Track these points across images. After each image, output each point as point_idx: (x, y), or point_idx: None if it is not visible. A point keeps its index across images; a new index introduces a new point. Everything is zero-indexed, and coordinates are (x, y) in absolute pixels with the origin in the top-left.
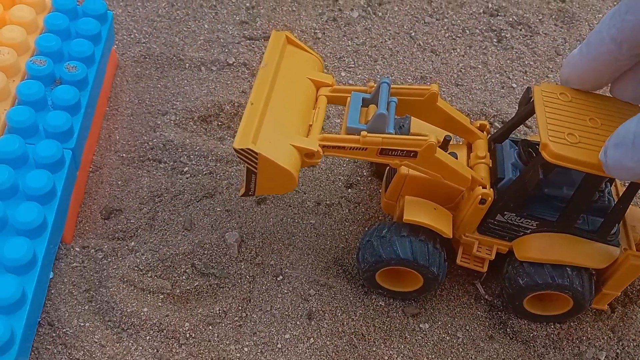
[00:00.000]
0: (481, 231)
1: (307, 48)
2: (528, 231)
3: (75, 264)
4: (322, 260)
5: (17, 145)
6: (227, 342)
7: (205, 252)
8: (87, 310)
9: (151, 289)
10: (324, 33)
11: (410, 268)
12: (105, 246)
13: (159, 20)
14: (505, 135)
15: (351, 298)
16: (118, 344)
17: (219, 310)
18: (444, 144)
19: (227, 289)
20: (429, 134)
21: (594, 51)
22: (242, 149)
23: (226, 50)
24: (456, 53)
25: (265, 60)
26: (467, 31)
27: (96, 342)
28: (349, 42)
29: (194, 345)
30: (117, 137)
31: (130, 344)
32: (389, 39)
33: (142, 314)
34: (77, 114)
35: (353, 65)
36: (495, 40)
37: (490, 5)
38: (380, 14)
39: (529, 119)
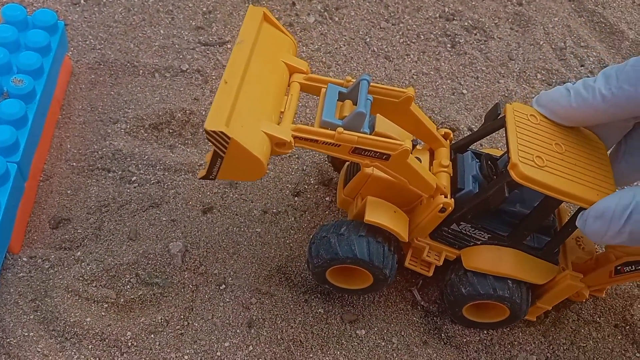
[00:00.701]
0: (433, 237)
1: (283, 28)
2: (479, 242)
3: (22, 274)
4: (266, 269)
5: None
6: (168, 350)
7: (150, 262)
8: (32, 320)
9: (96, 299)
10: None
11: (364, 268)
12: (52, 256)
13: (114, 25)
14: (466, 146)
15: (292, 306)
16: (61, 353)
17: (161, 319)
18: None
19: (170, 298)
20: (403, 139)
21: (581, 102)
22: (213, 131)
23: (180, 57)
24: (409, 59)
25: (240, 37)
26: (422, 36)
27: (39, 352)
28: (304, 47)
29: (135, 354)
30: (69, 146)
31: (73, 353)
32: (344, 45)
33: (84, 323)
34: (23, 127)
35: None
36: (449, 45)
37: (446, 10)
38: (336, 18)
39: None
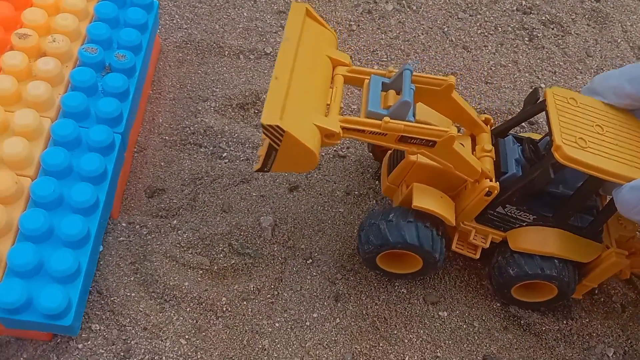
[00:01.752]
0: (479, 220)
1: (324, 23)
2: (524, 224)
3: (122, 238)
4: (350, 247)
5: (72, 129)
6: (260, 317)
7: (242, 233)
8: (133, 282)
9: (191, 265)
10: (358, 25)
11: (415, 252)
12: (150, 223)
13: (200, 6)
14: (507, 131)
15: (375, 284)
16: (161, 314)
17: (253, 287)
18: None
19: (261, 269)
20: (444, 126)
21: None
22: (269, 125)
23: (264, 40)
24: (487, 50)
25: (286, 34)
26: (500, 28)
27: (141, 311)
28: (383, 35)
29: (230, 318)
30: (160, 120)
31: (172, 314)
32: (422, 34)
33: (183, 287)
34: (125, 100)
35: (386, 59)
36: (526, 39)
37: (523, 3)
38: (414, 7)
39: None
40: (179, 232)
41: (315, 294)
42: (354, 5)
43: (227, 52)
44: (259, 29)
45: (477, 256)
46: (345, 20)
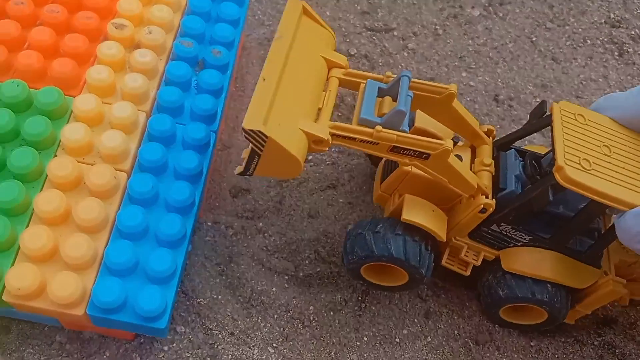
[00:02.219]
0: (472, 237)
1: (322, 22)
2: (519, 244)
3: (207, 237)
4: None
5: (169, 124)
6: (348, 330)
7: (329, 240)
8: (219, 284)
9: (277, 270)
10: (444, 30)
11: (400, 266)
12: (235, 223)
13: (282, 3)
14: (510, 144)
15: (467, 303)
16: (248, 319)
17: (340, 298)
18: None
19: (347, 278)
20: (444, 135)
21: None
22: (251, 130)
23: (347, 40)
24: (577, 63)
25: (279, 32)
26: (588, 41)
27: (228, 315)
28: (470, 41)
29: (317, 329)
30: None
31: (259, 320)
32: (510, 42)
33: (271, 293)
34: (219, 97)
35: (474, 66)
36: (616, 53)
37: (612, 16)
38: (500, 14)
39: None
40: (265, 235)
41: (404, 309)
42: (439, 8)
43: None
44: (342, 29)
45: (468, 273)
46: (430, 24)
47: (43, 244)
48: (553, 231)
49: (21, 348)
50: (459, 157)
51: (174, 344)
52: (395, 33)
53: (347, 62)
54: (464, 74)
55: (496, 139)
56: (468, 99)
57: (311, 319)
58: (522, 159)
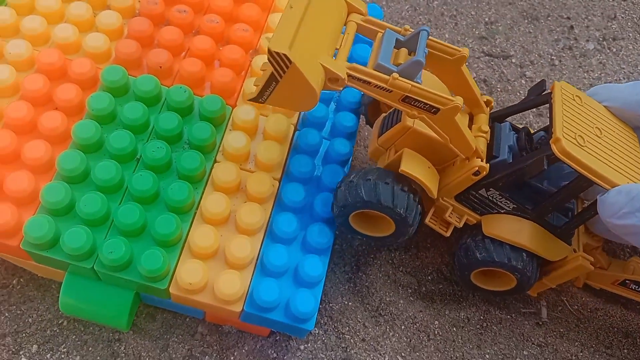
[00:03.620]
0: (458, 199)
1: None
2: (502, 211)
3: (336, 246)
4: (560, 288)
5: (318, 139)
6: (470, 346)
7: (451, 259)
8: (348, 290)
9: (402, 283)
10: (560, 61)
11: (387, 215)
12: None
13: (402, 22)
14: (505, 117)
15: (581, 328)
16: (377, 327)
17: (463, 315)
18: None
19: (469, 297)
20: (453, 96)
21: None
22: (277, 53)
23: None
24: None
25: None
26: None
27: (359, 322)
28: (585, 74)
29: (441, 342)
30: (365, 134)
31: (387, 329)
32: (624, 78)
33: (399, 304)
34: (357, 114)
35: None
36: None
37: None
38: (614, 49)
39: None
40: (391, 248)
41: (524, 331)
42: (554, 39)
43: None
44: None
45: (448, 234)
46: (546, 54)
47: (210, 243)
48: (535, 203)
49: (166, 336)
50: None
51: (309, 344)
52: (513, 60)
53: (366, 10)
54: None
55: (493, 110)
56: None
57: (436, 332)
58: (516, 132)
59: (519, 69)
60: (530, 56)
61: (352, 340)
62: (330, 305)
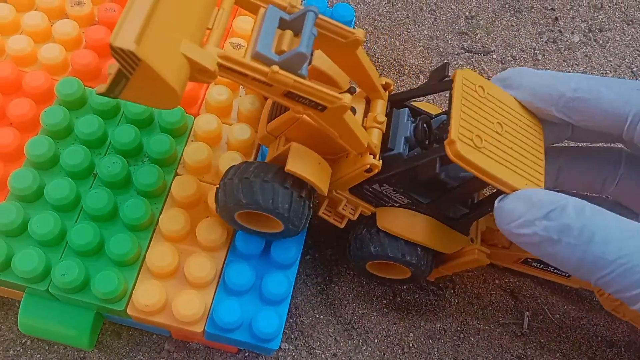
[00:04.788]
0: (352, 191)
1: None
2: (397, 204)
3: (308, 256)
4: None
5: None
6: (446, 358)
7: None
8: (320, 303)
9: (376, 294)
10: (543, 55)
11: (272, 215)
12: (335, 243)
13: (379, 19)
14: (404, 101)
15: (567, 345)
16: (349, 342)
17: (440, 327)
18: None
19: (446, 307)
20: (341, 86)
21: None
22: (120, 49)
23: (445, 61)
24: None
25: None
26: None
27: (330, 336)
28: (570, 68)
29: (416, 355)
30: None
31: (360, 343)
32: (610, 71)
33: (372, 317)
34: None
35: None
36: None
37: None
38: (600, 41)
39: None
40: None
41: (502, 343)
42: (537, 32)
43: (407, 70)
44: (440, 49)
45: (343, 226)
46: (529, 48)
47: (169, 262)
48: (432, 198)
49: (131, 354)
50: (353, 110)
51: None
52: (494, 56)
53: None
54: None
55: (393, 93)
56: None
57: (411, 345)
58: (414, 120)
59: (500, 65)
60: (512, 51)
61: (323, 356)
62: (301, 319)
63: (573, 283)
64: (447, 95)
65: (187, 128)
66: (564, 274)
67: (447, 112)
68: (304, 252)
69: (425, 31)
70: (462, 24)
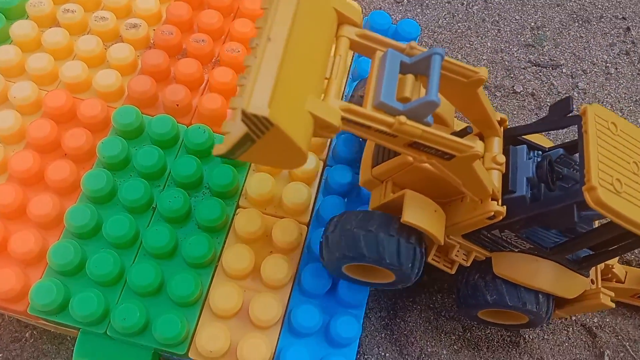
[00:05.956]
0: (466, 237)
1: None
2: (516, 250)
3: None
4: None
5: (350, 177)
6: None
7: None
8: (384, 339)
9: (444, 329)
10: (616, 68)
11: (388, 269)
12: None
13: (439, 31)
14: (518, 136)
15: None
16: None
17: None
18: (462, 135)
19: (520, 343)
20: (474, 142)
21: None
22: (254, 115)
23: (512, 76)
24: None
25: None
26: None
27: None
28: None
29: None
30: None
31: None
32: None
33: (442, 355)
34: None
35: None
36: None
37: None
38: None
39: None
40: (431, 290)
41: None
42: (608, 43)
43: None
44: (505, 62)
45: (453, 272)
46: (600, 61)
47: (233, 303)
48: (555, 242)
49: None
50: None
51: None
52: (564, 70)
53: (361, 19)
54: None
55: (508, 127)
56: None
57: None
58: (533, 158)
59: (570, 80)
60: (583, 64)
61: None
62: (366, 357)
63: None
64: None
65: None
66: None
67: (580, 152)
68: None
69: (488, 43)
70: (527, 36)
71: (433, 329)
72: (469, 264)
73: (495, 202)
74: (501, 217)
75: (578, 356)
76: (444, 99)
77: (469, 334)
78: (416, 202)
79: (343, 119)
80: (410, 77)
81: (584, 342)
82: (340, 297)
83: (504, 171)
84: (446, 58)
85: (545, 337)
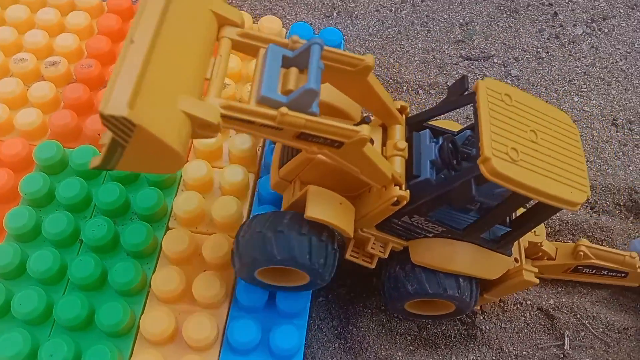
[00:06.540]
0: (379, 228)
1: None
2: (430, 235)
3: (320, 298)
4: None
5: None
6: None
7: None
8: (338, 349)
9: (399, 331)
10: (547, 52)
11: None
12: (348, 280)
13: (370, 39)
14: (422, 122)
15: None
16: None
17: (473, 358)
18: (359, 124)
19: (477, 336)
20: (354, 117)
21: None
22: (111, 116)
23: (444, 72)
24: None
25: None
26: None
27: None
28: (577, 62)
29: None
30: None
31: None
32: (620, 59)
33: (397, 358)
34: None
35: (586, 90)
36: None
37: None
38: (605, 30)
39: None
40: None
41: None
42: (537, 30)
43: (405, 87)
44: (437, 60)
45: (373, 266)
46: (531, 47)
47: (164, 327)
48: (467, 222)
49: None
50: (371, 141)
51: None
52: (495, 60)
53: (242, 19)
54: (575, 99)
55: (409, 115)
56: (584, 125)
57: None
58: (437, 141)
59: (503, 69)
60: (514, 52)
61: None
62: None
63: (632, 281)
64: (464, 110)
65: (175, 178)
66: (619, 274)
67: (474, 127)
68: (315, 294)
69: (419, 45)
70: (457, 32)
71: (387, 331)
72: (386, 256)
73: (398, 187)
74: (405, 202)
75: (538, 341)
76: (340, 93)
77: (424, 333)
78: (319, 196)
79: (223, 116)
80: (294, 70)
81: (543, 325)
82: (279, 308)
83: (406, 157)
84: (330, 48)
85: (502, 325)
